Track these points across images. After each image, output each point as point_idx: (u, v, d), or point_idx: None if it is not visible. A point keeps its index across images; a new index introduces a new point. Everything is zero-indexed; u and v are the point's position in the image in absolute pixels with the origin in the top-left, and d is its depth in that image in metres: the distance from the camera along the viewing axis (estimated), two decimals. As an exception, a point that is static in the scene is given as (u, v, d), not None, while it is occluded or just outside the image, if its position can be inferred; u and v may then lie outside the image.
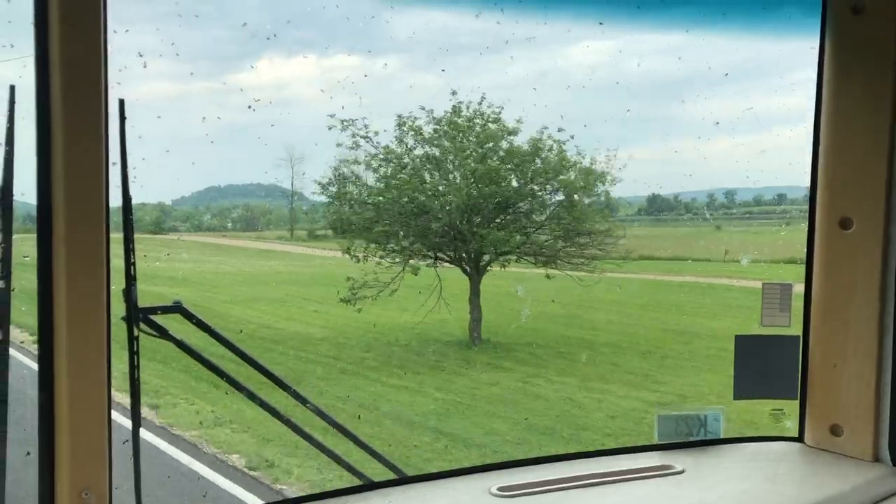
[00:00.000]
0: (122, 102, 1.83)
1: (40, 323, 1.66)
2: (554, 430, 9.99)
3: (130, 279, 2.03)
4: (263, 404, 2.40)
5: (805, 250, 2.43)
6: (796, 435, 2.50)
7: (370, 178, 12.99)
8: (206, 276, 17.51)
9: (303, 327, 14.47)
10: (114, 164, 1.74)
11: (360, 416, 10.02)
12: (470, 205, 12.78)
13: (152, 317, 2.12)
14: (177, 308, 2.18)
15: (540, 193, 13.36)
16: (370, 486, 2.22)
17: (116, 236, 1.81)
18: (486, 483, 2.17)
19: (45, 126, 1.63)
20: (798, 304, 2.48)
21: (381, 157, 12.82)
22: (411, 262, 12.50)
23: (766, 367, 2.50)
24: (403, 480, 2.28)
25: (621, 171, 12.89)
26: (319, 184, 13.16)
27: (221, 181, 15.83)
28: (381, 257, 12.50)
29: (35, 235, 1.66)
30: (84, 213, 1.65)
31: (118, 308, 1.91)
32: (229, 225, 17.57)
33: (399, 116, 12.63)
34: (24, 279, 1.80)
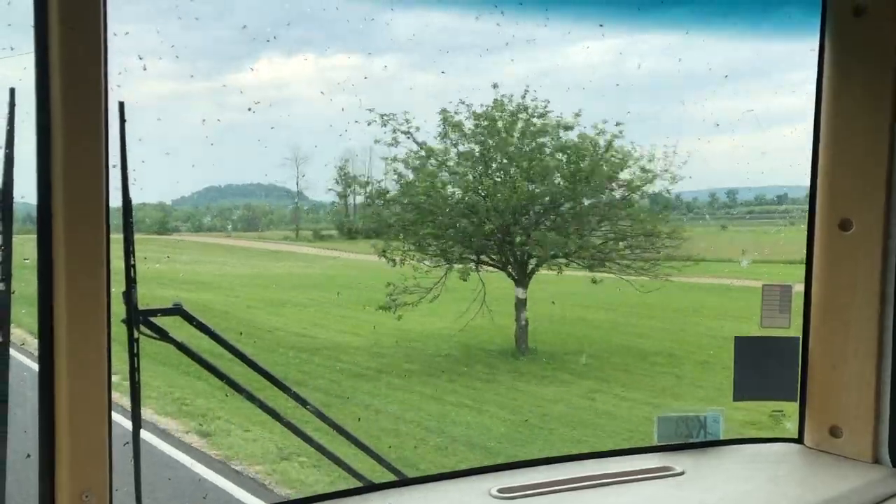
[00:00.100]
0: (121, 105, 1.84)
1: (40, 323, 1.67)
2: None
3: (130, 281, 2.03)
4: (263, 406, 2.40)
5: (804, 251, 2.43)
6: (796, 436, 2.50)
7: (410, 176, 12.12)
8: (225, 279, 16.82)
9: (334, 335, 13.53)
10: (114, 166, 1.75)
11: (427, 441, 9.16)
12: (522, 204, 11.87)
13: (152, 319, 2.12)
14: (177, 310, 2.17)
15: (599, 192, 12.28)
16: (370, 487, 2.22)
17: (117, 237, 1.81)
18: (486, 484, 2.17)
19: (45, 128, 1.63)
20: (798, 304, 2.48)
21: (423, 153, 11.95)
22: (457, 266, 11.68)
23: (765, 368, 2.51)
24: (403, 482, 2.28)
25: (681, 167, 11.95)
26: (358, 183, 12.46)
27: (221, 181, 15.86)
28: (419, 260, 11.70)
29: (35, 236, 1.66)
30: (84, 212, 1.65)
31: (119, 309, 1.91)
32: (229, 226, 17.57)
33: (444, 110, 11.80)
34: (24, 281, 1.80)
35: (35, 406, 1.69)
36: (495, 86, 11.85)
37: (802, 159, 2.41)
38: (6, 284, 1.81)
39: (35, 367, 1.69)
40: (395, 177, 12.00)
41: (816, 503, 2.11)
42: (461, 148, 12.12)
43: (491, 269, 12.06)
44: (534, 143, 12.12)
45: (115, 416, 1.78)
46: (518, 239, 11.97)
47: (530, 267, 12.09)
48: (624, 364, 12.27)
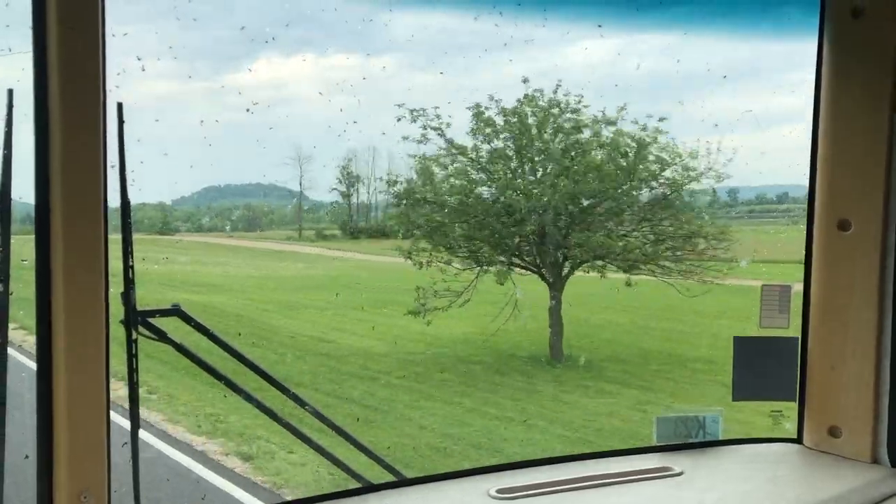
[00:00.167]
0: (120, 106, 1.84)
1: (38, 320, 1.66)
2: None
3: (129, 282, 2.03)
4: (261, 406, 2.40)
5: (804, 252, 2.43)
6: (795, 436, 2.50)
7: (440, 174, 11.54)
8: (234, 280, 16.36)
9: (358, 340, 12.85)
10: (112, 166, 1.75)
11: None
12: (564, 204, 11.15)
13: (150, 320, 2.11)
14: (175, 311, 2.17)
15: (643, 190, 11.66)
16: (369, 488, 2.22)
17: (116, 237, 1.81)
18: (485, 485, 2.17)
19: (43, 127, 1.63)
20: (797, 305, 2.48)
21: (454, 151, 11.30)
22: (491, 268, 11.03)
23: (765, 368, 2.51)
24: (403, 482, 2.28)
25: (726, 165, 11.33)
26: (385, 181, 11.65)
27: (220, 181, 15.85)
28: (448, 262, 11.06)
29: (33, 237, 1.66)
30: (82, 208, 1.65)
31: (117, 307, 1.91)
32: (228, 227, 17.53)
33: (477, 105, 11.13)
34: (23, 282, 1.79)
35: (33, 405, 1.68)
36: (525, 80, 11.28)
37: (802, 159, 2.42)
38: (4, 286, 1.80)
39: (33, 365, 1.69)
40: (423, 175, 11.46)
41: (816, 503, 2.11)
42: (493, 145, 11.55)
43: (521, 272, 11.47)
44: (570, 140, 11.46)
45: (114, 417, 1.78)
46: (556, 240, 11.37)
47: (566, 270, 11.52)
48: (664, 371, 11.78)
